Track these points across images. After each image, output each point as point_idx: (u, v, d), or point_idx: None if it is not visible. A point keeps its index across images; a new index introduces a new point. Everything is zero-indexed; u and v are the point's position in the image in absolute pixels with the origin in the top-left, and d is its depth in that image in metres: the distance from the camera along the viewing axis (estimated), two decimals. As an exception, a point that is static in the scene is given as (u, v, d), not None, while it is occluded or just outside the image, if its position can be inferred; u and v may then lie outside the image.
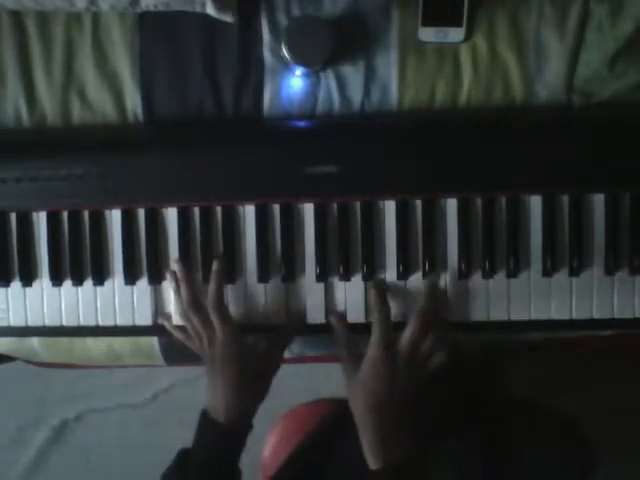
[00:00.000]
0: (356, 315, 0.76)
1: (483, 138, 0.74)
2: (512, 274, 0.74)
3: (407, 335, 0.70)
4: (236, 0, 0.74)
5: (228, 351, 0.72)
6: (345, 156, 0.73)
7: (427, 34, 0.75)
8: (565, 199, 0.74)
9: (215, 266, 0.74)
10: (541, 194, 0.74)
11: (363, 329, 0.73)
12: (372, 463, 0.69)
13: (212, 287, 0.73)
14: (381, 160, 0.73)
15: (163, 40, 0.77)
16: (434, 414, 0.83)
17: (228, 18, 0.74)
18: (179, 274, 0.75)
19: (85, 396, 1.50)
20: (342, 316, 0.75)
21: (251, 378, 0.74)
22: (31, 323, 0.78)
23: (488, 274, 0.75)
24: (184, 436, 0.75)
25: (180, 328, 0.76)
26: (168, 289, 0.77)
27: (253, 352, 0.75)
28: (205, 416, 0.74)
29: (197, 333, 0.74)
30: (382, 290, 0.73)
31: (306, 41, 0.73)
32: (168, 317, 0.77)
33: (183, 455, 0.74)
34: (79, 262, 0.77)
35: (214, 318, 0.72)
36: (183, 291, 0.74)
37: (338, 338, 0.75)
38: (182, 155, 0.74)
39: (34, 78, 0.78)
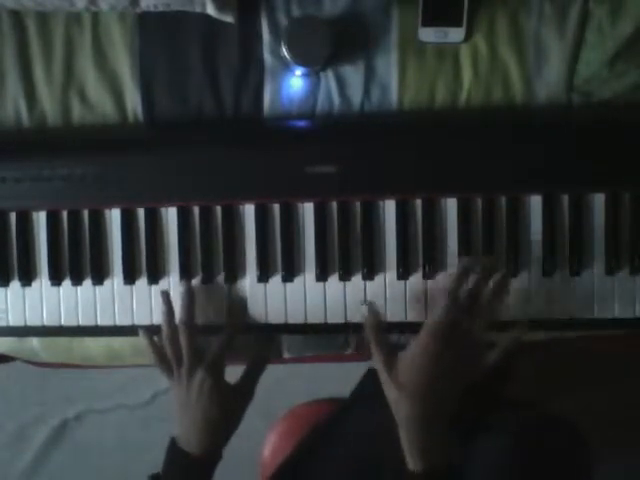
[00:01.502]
0: (355, 315, 0.75)
1: (483, 138, 0.74)
2: (512, 274, 0.74)
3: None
4: (236, 0, 0.74)
5: (204, 386, 0.72)
6: (345, 156, 0.73)
7: (427, 34, 0.75)
8: (565, 199, 0.74)
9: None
10: (541, 194, 0.74)
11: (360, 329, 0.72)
12: (414, 464, 0.66)
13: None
14: (381, 160, 0.73)
15: (163, 40, 0.77)
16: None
17: (228, 18, 0.74)
18: (165, 306, 0.74)
19: (85, 396, 1.49)
20: (377, 310, 0.72)
21: (224, 412, 0.73)
22: (30, 323, 0.78)
23: (488, 274, 0.75)
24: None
25: (157, 348, 0.75)
26: (168, 289, 0.76)
27: (228, 386, 0.74)
28: (174, 445, 0.73)
29: (175, 361, 0.73)
30: (468, 271, 0.69)
31: (306, 41, 0.73)
32: (151, 332, 0.75)
33: None
34: (78, 262, 0.77)
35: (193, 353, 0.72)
36: (167, 320, 0.73)
37: (370, 334, 0.70)
38: (182, 155, 0.74)
39: (34, 78, 0.78)
